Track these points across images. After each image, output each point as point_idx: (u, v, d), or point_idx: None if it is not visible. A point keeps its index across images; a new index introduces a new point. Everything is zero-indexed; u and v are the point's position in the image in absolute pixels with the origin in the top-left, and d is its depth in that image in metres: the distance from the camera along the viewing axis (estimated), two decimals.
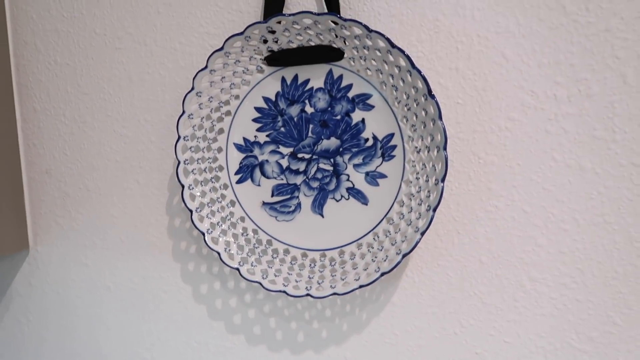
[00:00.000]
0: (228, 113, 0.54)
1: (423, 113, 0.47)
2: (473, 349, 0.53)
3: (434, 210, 0.47)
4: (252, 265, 0.54)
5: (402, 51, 0.46)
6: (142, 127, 0.58)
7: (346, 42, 0.49)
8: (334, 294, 0.51)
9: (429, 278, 0.53)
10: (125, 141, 0.59)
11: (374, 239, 0.51)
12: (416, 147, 0.49)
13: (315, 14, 0.47)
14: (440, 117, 0.46)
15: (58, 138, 0.61)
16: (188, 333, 0.61)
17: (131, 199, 0.60)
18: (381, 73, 0.49)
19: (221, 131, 0.54)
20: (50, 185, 0.63)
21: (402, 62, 0.47)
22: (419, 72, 0.46)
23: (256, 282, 0.52)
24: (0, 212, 0.60)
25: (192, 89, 0.51)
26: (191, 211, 0.53)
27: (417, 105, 0.48)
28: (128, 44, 0.57)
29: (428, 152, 0.48)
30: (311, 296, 0.51)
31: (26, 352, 0.68)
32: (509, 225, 0.50)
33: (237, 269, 0.53)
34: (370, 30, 0.46)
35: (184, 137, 0.53)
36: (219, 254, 0.53)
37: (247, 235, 0.55)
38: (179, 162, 0.53)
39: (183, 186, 0.53)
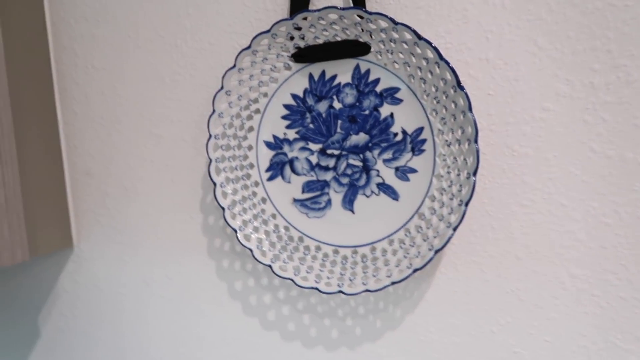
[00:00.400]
0: (257, 111, 0.54)
1: (453, 105, 0.46)
2: (511, 347, 0.51)
3: (466, 204, 0.46)
4: (284, 262, 0.54)
5: (429, 43, 0.45)
6: (175, 127, 0.59)
7: (372, 36, 0.48)
8: (366, 290, 0.50)
9: (463, 274, 0.52)
10: (159, 141, 0.61)
11: (405, 234, 0.51)
12: (446, 141, 0.48)
13: (340, 8, 0.46)
14: (470, 109, 0.45)
15: (96, 139, 0.64)
16: (224, 329, 0.62)
17: (166, 198, 0.61)
18: (409, 66, 0.48)
19: (251, 129, 0.54)
20: (91, 185, 0.65)
21: (430, 54, 0.46)
22: (447, 63, 0.45)
23: (288, 278, 0.53)
24: (45, 211, 0.63)
25: (222, 88, 0.52)
26: (223, 209, 0.54)
27: (446, 97, 0.47)
28: (159, 45, 0.58)
29: (459, 145, 0.47)
30: (343, 293, 0.51)
31: (71, 346, 0.71)
32: (546, 220, 0.48)
33: (270, 266, 0.53)
34: (396, 23, 0.45)
35: (215, 135, 0.53)
36: (251, 251, 0.54)
37: (278, 232, 0.55)
38: (210, 161, 0.53)
39: (215, 184, 0.54)
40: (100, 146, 0.64)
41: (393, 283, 0.49)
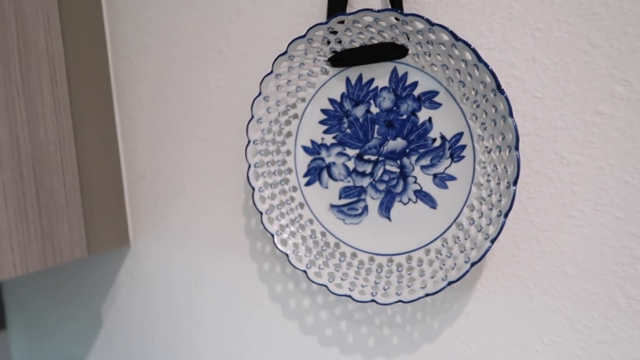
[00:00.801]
0: (295, 116, 0.54)
1: (493, 110, 0.44)
2: None
3: (505, 216, 0.43)
4: (319, 268, 0.53)
5: (468, 44, 0.42)
6: (220, 132, 0.61)
7: (409, 38, 0.46)
8: (399, 301, 0.49)
9: (506, 289, 0.49)
10: (205, 145, 0.62)
11: (442, 245, 0.49)
12: (486, 147, 0.45)
13: (375, 11, 0.45)
14: (511, 114, 0.42)
15: (150, 143, 0.67)
16: (265, 331, 0.62)
17: (212, 201, 0.63)
18: (447, 68, 0.46)
19: (289, 134, 0.54)
20: (145, 187, 0.68)
21: (468, 56, 0.43)
22: (487, 65, 0.42)
23: (323, 285, 0.52)
24: (104, 211, 0.66)
25: (260, 93, 0.52)
26: (261, 213, 0.54)
27: (486, 101, 0.44)
28: (205, 52, 0.60)
29: (499, 152, 0.44)
30: (376, 302, 0.50)
31: (129, 338, 0.75)
32: (598, 234, 0.44)
33: (305, 272, 0.53)
34: (432, 24, 0.43)
35: (254, 141, 0.54)
36: (287, 255, 0.54)
37: (315, 237, 0.55)
38: (249, 165, 0.54)
39: (253, 189, 0.54)
40: (153, 150, 0.67)
41: (427, 295, 0.47)
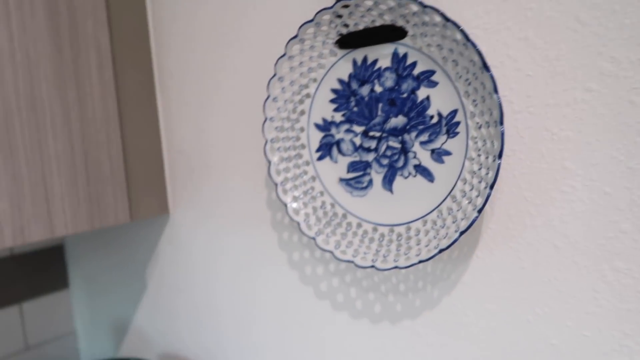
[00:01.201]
0: (308, 95, 0.58)
1: (482, 87, 0.46)
2: (548, 339, 0.49)
3: (491, 187, 0.45)
4: (327, 236, 0.58)
5: (457, 25, 0.45)
6: (243, 112, 0.66)
7: (407, 20, 0.49)
8: (396, 267, 0.52)
9: (500, 260, 0.51)
10: (232, 123, 0.68)
11: (437, 216, 0.51)
12: (478, 123, 0.48)
13: None
14: (495, 91, 0.44)
15: (186, 123, 0.73)
16: (284, 295, 0.68)
17: (238, 174, 0.69)
18: (442, 48, 0.48)
19: (302, 112, 0.59)
20: (182, 162, 0.75)
21: (458, 36, 0.46)
22: (474, 45, 0.44)
23: (329, 251, 0.56)
24: (146, 182, 0.74)
25: (275, 74, 0.57)
26: (276, 184, 0.59)
27: (475, 79, 0.46)
28: (235, 39, 0.65)
29: (488, 127, 0.46)
30: (375, 268, 0.53)
31: (171, 299, 0.82)
32: (587, 208, 0.46)
33: (314, 239, 0.57)
34: (425, 6, 0.46)
35: (270, 118, 0.59)
36: (298, 223, 0.58)
37: (325, 208, 0.59)
38: (266, 141, 0.59)
39: (270, 162, 0.59)
40: (190, 128, 0.73)
41: (420, 261, 0.50)
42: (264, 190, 0.67)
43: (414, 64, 0.51)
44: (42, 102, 0.60)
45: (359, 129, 0.56)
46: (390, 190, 0.55)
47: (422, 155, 0.52)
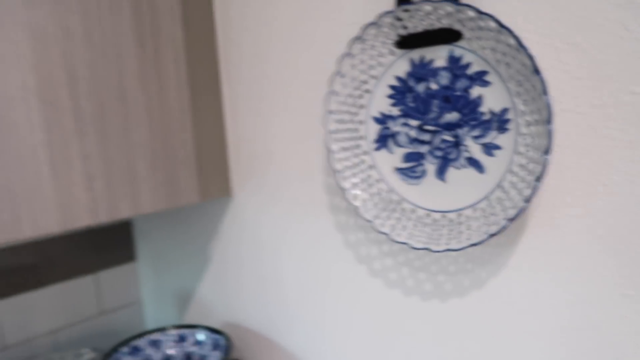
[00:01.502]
0: (367, 91, 0.63)
1: (532, 88, 0.50)
2: (589, 317, 0.54)
3: (539, 180, 0.50)
4: (383, 220, 0.63)
5: (511, 31, 0.49)
6: (304, 104, 0.72)
7: (464, 24, 0.54)
8: (448, 249, 0.58)
9: (545, 245, 0.55)
10: (293, 115, 0.74)
11: (487, 204, 0.56)
12: (527, 121, 0.52)
13: (434, 1, 0.53)
14: (545, 92, 0.48)
15: (250, 112, 0.80)
16: (342, 274, 0.74)
17: (299, 162, 0.75)
18: (495, 51, 0.53)
19: (362, 106, 0.64)
20: (245, 149, 0.82)
21: (511, 41, 0.50)
22: (526, 50, 0.49)
23: (385, 233, 0.62)
24: (213, 167, 0.81)
25: (337, 71, 0.62)
26: (336, 172, 0.65)
27: (527, 80, 0.50)
28: (296, 35, 0.71)
29: (537, 125, 0.51)
30: (429, 250, 0.59)
31: (227, 273, 0.90)
32: (628, 201, 0.50)
33: (371, 222, 0.63)
34: (481, 13, 0.50)
35: (331, 111, 0.65)
36: (357, 208, 0.64)
37: (381, 195, 0.65)
38: (327, 132, 0.65)
39: (330, 151, 0.65)
40: (252, 117, 0.80)
41: (471, 245, 0.56)
42: (322, 177, 0.73)
43: (468, 65, 0.55)
44: (129, 93, 0.68)
45: (414, 122, 0.61)
46: (443, 179, 0.60)
47: (474, 149, 0.57)
